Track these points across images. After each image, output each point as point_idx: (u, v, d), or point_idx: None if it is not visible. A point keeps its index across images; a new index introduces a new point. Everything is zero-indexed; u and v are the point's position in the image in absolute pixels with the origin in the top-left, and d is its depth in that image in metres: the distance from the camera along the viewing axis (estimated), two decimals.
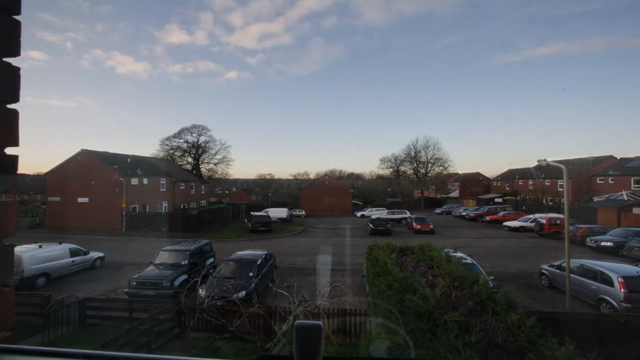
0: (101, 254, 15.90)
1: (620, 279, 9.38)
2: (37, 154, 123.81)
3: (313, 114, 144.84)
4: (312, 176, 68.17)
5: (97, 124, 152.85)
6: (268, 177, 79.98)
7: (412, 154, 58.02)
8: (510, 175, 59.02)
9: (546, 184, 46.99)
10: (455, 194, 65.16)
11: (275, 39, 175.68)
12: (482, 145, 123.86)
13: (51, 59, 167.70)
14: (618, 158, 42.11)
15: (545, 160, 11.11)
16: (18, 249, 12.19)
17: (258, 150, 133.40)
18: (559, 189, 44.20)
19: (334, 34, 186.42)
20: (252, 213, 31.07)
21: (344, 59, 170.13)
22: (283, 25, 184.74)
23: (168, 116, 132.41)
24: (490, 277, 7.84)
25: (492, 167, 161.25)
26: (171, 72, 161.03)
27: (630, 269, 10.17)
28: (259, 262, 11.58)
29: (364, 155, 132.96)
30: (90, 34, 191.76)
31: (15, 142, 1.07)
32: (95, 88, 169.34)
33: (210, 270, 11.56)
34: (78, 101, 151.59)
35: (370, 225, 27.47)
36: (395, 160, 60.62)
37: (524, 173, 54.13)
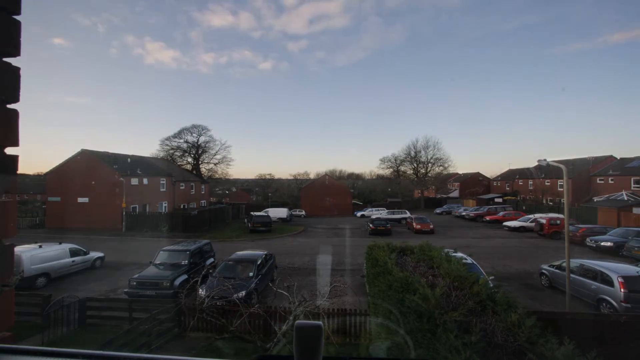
0: (101, 254, 15.90)
1: (620, 279, 9.39)
2: (37, 154, 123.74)
3: (322, 111, 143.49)
4: (312, 176, 68.21)
5: (101, 123, 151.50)
6: (268, 177, 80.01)
7: (412, 154, 58.11)
8: (510, 175, 59.03)
9: (546, 184, 47.00)
10: (455, 194, 65.14)
11: (328, 21, 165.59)
12: (482, 145, 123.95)
13: (77, 46, 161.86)
14: (618, 158, 42.13)
15: (545, 160, 11.11)
16: (18, 249, 12.19)
17: (258, 150, 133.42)
18: (559, 189, 44.21)
19: (394, 13, 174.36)
20: (252, 213, 31.07)
21: (395, 45, 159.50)
22: (342, 4, 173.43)
23: (177, 113, 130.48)
24: (490, 277, 7.85)
25: (492, 167, 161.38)
26: (202, 62, 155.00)
27: (630, 269, 10.18)
28: (259, 262, 11.58)
29: (364, 155, 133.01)
30: (129, 14, 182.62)
31: (15, 142, 1.07)
32: (115, 81, 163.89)
33: (210, 270, 11.56)
34: (91, 97, 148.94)
35: (370, 225, 27.46)
36: (395, 160, 60.71)
37: (524, 173, 54.14)
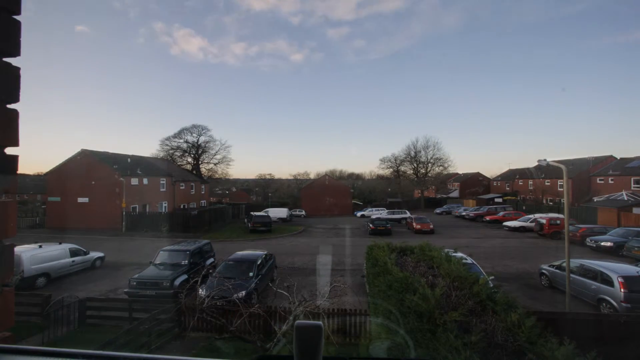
0: (101, 254, 15.90)
1: (620, 279, 9.39)
2: (37, 154, 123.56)
3: (332, 109, 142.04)
4: (312, 176, 68.28)
5: (103, 123, 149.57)
6: (268, 177, 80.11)
7: (412, 154, 58.07)
8: (510, 175, 59.02)
9: (546, 184, 46.99)
10: (455, 194, 65.14)
11: (378, 5, 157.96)
12: (482, 145, 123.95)
13: (101, 34, 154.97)
14: (618, 158, 42.11)
15: (545, 160, 11.11)
16: (18, 249, 12.19)
17: (258, 150, 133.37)
18: (559, 189, 44.20)
19: None
20: (252, 213, 31.07)
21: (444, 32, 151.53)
22: None
23: (182, 110, 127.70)
24: (490, 277, 7.85)
25: (492, 167, 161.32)
26: (230, 54, 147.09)
27: (630, 269, 10.18)
28: (259, 262, 11.58)
29: (364, 155, 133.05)
30: None
31: (15, 142, 1.07)
32: (132, 75, 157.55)
33: (210, 270, 11.56)
34: (100, 95, 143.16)
35: (370, 225, 27.45)
36: (395, 160, 60.64)
37: (524, 173, 54.13)
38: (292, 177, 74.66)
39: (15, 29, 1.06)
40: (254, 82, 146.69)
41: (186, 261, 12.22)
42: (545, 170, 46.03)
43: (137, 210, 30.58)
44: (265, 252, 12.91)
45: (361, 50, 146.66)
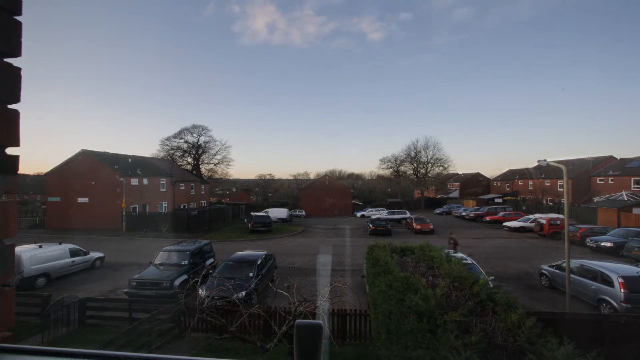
0: (101, 254, 15.90)
1: (620, 280, 9.38)
2: (37, 154, 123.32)
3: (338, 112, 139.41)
4: (312, 176, 68.17)
5: (107, 122, 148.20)
6: (268, 177, 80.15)
7: (412, 154, 58.15)
8: (510, 176, 59.02)
9: (546, 184, 46.98)
10: (455, 194, 65.12)
11: None
12: (482, 145, 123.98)
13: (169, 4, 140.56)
14: (618, 158, 42.13)
15: (545, 160, 11.12)
16: (18, 249, 12.19)
17: (258, 150, 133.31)
18: (559, 189, 44.20)
19: None
20: (252, 213, 31.08)
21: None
22: None
23: (187, 108, 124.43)
24: (490, 278, 7.86)
25: (492, 167, 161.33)
26: (300, 31, 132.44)
27: (630, 269, 10.17)
28: (259, 262, 11.58)
29: (364, 155, 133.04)
30: None
31: (16, 143, 1.07)
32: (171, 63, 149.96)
33: (210, 271, 11.55)
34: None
35: (370, 226, 27.46)
36: (395, 160, 60.73)
37: (523, 173, 54.14)
38: (292, 177, 74.60)
39: (16, 29, 1.06)
40: (310, 70, 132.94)
41: (186, 261, 12.22)
42: (545, 171, 46.02)
43: (137, 210, 30.57)
44: (265, 253, 12.91)
45: (462, 24, 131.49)
